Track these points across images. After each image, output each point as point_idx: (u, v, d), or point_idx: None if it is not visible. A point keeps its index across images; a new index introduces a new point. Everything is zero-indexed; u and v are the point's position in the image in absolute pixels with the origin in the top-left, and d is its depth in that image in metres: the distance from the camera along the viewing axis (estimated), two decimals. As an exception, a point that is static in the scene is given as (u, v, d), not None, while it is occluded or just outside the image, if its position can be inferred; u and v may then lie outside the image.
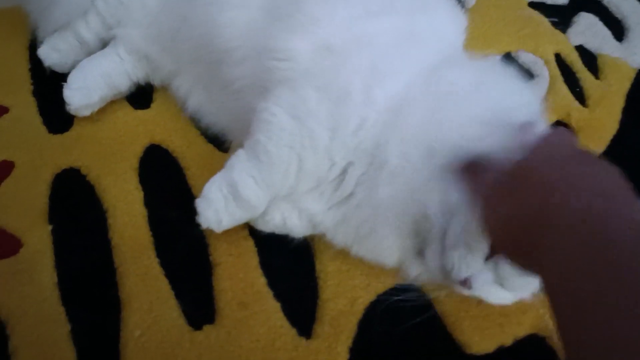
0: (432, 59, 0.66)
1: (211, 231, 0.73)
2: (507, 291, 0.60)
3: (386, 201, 0.62)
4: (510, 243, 0.44)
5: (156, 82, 0.88)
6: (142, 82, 0.87)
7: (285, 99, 0.65)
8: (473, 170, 0.55)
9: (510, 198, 0.44)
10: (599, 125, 0.88)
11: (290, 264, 0.71)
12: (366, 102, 0.62)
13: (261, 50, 0.70)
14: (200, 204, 0.68)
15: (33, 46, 0.91)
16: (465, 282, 0.59)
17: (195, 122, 0.84)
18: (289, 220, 0.70)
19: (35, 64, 0.90)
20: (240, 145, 0.77)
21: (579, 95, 0.92)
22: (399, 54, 0.66)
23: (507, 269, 0.57)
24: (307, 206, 0.69)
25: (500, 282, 0.59)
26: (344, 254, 0.72)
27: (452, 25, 0.73)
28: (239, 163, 0.67)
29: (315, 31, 0.67)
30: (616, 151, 0.86)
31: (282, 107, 0.64)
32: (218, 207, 0.67)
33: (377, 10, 0.68)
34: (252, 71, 0.71)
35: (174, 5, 0.80)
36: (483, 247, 0.57)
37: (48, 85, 0.85)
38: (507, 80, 0.67)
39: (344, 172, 0.65)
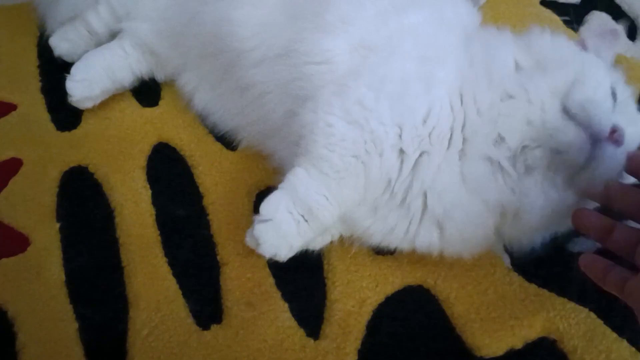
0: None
1: (219, 230, 0.73)
2: None
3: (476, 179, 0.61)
4: None
5: (160, 77, 0.87)
6: (145, 77, 0.87)
7: (337, 105, 0.61)
8: None
9: None
10: (612, 126, 0.86)
11: (297, 263, 0.70)
12: (428, 88, 0.61)
13: (286, 53, 0.68)
14: (263, 229, 0.60)
15: (41, 43, 0.90)
16: (614, 134, 0.56)
17: (202, 119, 0.83)
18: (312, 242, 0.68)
19: (44, 61, 0.90)
20: (254, 145, 0.79)
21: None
22: (442, 40, 0.65)
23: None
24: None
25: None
26: (352, 253, 0.71)
27: (470, 17, 0.72)
28: (301, 182, 0.62)
29: (349, 30, 0.65)
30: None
31: (336, 115, 0.61)
32: (288, 231, 0.61)
33: (403, 5, 0.68)
34: (275, 75, 0.69)
35: (183, 0, 0.79)
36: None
37: (56, 82, 0.85)
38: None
39: (416, 165, 0.61)
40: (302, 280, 0.70)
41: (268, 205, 0.61)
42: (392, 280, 0.69)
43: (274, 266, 0.70)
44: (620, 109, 0.60)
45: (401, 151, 0.61)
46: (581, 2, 1.05)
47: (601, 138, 0.56)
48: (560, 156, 0.58)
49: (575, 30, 0.99)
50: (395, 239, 0.66)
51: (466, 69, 0.63)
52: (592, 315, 0.67)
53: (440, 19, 0.68)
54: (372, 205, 0.64)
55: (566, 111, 0.58)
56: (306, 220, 0.61)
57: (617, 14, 1.04)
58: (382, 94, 0.61)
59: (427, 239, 0.64)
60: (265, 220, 0.60)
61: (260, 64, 0.71)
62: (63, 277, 0.69)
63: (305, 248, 0.68)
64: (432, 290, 0.69)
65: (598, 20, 1.02)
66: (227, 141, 0.81)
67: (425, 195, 0.62)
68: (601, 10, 1.03)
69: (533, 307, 0.67)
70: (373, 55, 0.64)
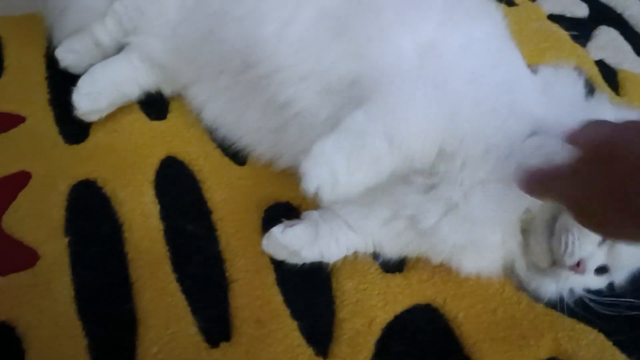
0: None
1: (227, 246, 0.73)
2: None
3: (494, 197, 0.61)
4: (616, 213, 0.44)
5: (167, 91, 0.87)
6: (152, 90, 0.87)
7: (407, 88, 0.61)
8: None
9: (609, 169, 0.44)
10: (620, 143, 0.87)
11: (306, 281, 0.71)
12: (510, 115, 0.62)
13: (345, 55, 0.67)
14: (309, 163, 0.57)
15: (50, 54, 0.90)
16: (579, 265, 0.60)
17: (211, 132, 0.83)
18: (327, 251, 0.70)
19: (53, 72, 0.90)
20: (271, 159, 0.79)
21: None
22: (505, 54, 0.70)
23: (621, 251, 0.60)
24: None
25: (611, 264, 0.62)
26: (361, 271, 0.71)
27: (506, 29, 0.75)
28: (357, 122, 0.59)
29: (414, 29, 0.66)
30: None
31: (410, 88, 0.61)
32: (336, 166, 0.56)
33: (463, 18, 0.69)
34: (322, 87, 0.68)
35: (197, 17, 0.78)
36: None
37: (65, 94, 0.84)
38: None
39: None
40: (311, 298, 0.70)
41: (318, 144, 0.57)
42: (401, 299, 0.69)
43: (283, 283, 0.70)
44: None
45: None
46: (589, 17, 1.05)
47: (565, 266, 0.61)
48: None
49: (583, 45, 1.00)
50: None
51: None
52: (601, 336, 0.67)
53: (495, 34, 0.71)
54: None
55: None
56: (359, 154, 0.57)
57: (625, 29, 1.04)
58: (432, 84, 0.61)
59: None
60: (313, 155, 0.57)
61: (305, 79, 0.69)
62: (72, 293, 0.68)
63: (320, 259, 0.70)
64: (441, 309, 0.69)
65: (606, 35, 1.02)
66: (235, 155, 0.81)
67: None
68: (609, 25, 1.04)
69: (542, 327, 0.68)
70: (440, 59, 0.64)
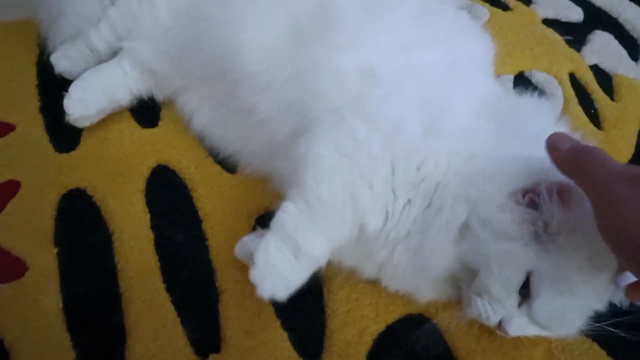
0: (476, 91, 0.66)
1: (218, 255, 0.72)
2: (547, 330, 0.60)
3: (434, 250, 0.60)
4: None
5: (159, 97, 0.87)
6: (144, 96, 0.86)
7: (330, 138, 0.61)
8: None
9: None
10: (614, 149, 0.86)
11: (297, 291, 0.70)
12: (428, 135, 0.60)
13: (293, 76, 0.68)
14: (258, 274, 0.59)
15: (41, 61, 0.90)
16: (499, 327, 0.59)
17: (201, 140, 0.83)
18: None
19: (43, 79, 0.89)
20: (254, 168, 0.78)
21: (594, 117, 0.91)
22: (448, 87, 0.64)
23: (541, 310, 0.57)
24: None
25: (536, 323, 0.58)
26: (352, 281, 0.70)
27: (485, 53, 0.73)
28: (289, 217, 0.61)
29: (360, 51, 0.65)
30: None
31: (327, 146, 0.60)
32: (282, 270, 0.60)
33: (420, 40, 0.67)
34: (281, 99, 0.69)
35: (186, 21, 0.79)
36: (511, 293, 0.57)
37: (55, 102, 0.84)
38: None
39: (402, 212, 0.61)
40: (302, 308, 0.69)
41: (259, 252, 0.59)
42: (392, 309, 0.69)
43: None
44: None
45: (393, 190, 0.60)
46: (584, 21, 1.05)
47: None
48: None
49: (578, 50, 0.99)
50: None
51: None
52: (595, 346, 0.66)
53: (451, 63, 0.67)
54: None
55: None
56: (297, 257, 0.60)
57: (620, 33, 1.03)
58: (376, 130, 0.60)
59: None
60: (259, 265, 0.59)
61: (266, 89, 0.70)
62: (60, 305, 0.68)
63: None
64: (433, 318, 0.69)
65: (601, 40, 1.01)
66: (226, 164, 0.80)
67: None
68: (604, 30, 1.03)
69: (534, 337, 0.66)
70: (376, 88, 0.63)
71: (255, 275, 0.59)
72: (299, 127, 0.67)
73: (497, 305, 0.58)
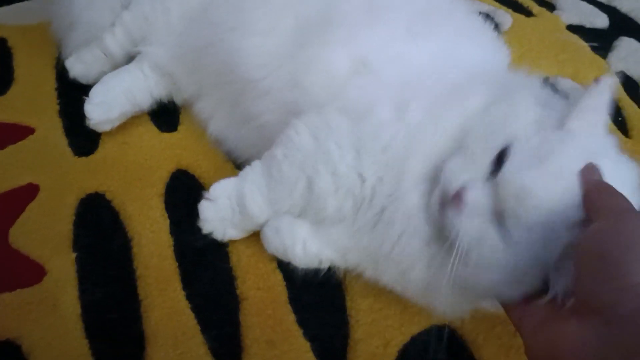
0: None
1: (238, 262, 0.71)
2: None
3: (414, 209, 0.58)
4: None
5: (179, 101, 0.87)
6: (164, 99, 0.86)
7: (311, 119, 0.64)
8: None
9: None
10: (643, 158, 0.84)
11: (320, 299, 0.69)
12: (397, 118, 0.59)
13: (291, 81, 0.68)
14: (206, 207, 0.69)
15: (60, 64, 0.89)
16: (457, 197, 0.50)
17: (219, 146, 0.82)
18: (291, 250, 0.67)
19: (62, 83, 0.89)
20: None
21: (621, 125, 0.89)
22: (433, 74, 0.62)
23: (511, 175, 0.48)
24: (336, 236, 0.66)
25: (499, 214, 0.49)
26: (376, 290, 0.69)
27: (495, 55, 0.70)
28: (252, 175, 0.68)
29: (354, 44, 0.65)
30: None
31: (307, 125, 0.64)
32: (225, 216, 0.68)
33: (419, 32, 0.66)
34: (278, 104, 0.70)
35: (198, 27, 0.79)
36: (487, 152, 0.51)
37: (74, 105, 0.84)
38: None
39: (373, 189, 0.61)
40: (325, 318, 0.67)
41: (217, 187, 0.69)
42: (417, 320, 0.67)
43: (296, 302, 0.68)
44: None
45: (360, 174, 0.60)
46: (609, 27, 1.03)
47: (447, 200, 0.52)
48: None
49: (604, 57, 0.97)
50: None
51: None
52: None
53: (448, 55, 0.65)
54: (352, 227, 0.63)
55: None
56: (240, 213, 0.67)
57: (647, 40, 1.01)
58: (346, 117, 0.61)
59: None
60: (210, 200, 0.68)
61: (267, 95, 0.70)
62: (79, 311, 0.66)
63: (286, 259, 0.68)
64: (459, 330, 0.67)
65: (628, 46, 0.99)
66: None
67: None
68: (630, 36, 1.01)
69: None
70: (364, 77, 0.63)
71: (202, 206, 0.69)
72: None
73: (466, 167, 0.52)
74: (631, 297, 0.37)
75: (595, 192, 0.46)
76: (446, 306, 0.60)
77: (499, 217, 0.49)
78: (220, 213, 0.68)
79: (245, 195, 0.67)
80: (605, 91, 0.54)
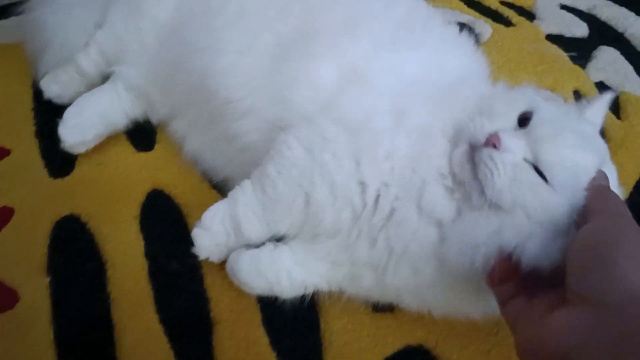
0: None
1: (212, 284, 0.71)
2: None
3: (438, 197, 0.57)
4: None
5: (154, 120, 0.86)
6: (140, 119, 0.86)
7: (303, 132, 0.63)
8: None
9: None
10: (621, 170, 0.82)
11: (293, 321, 0.68)
12: (396, 124, 0.59)
13: (274, 98, 0.67)
14: (200, 235, 0.67)
15: (37, 85, 0.89)
16: (491, 140, 0.51)
17: (195, 166, 0.81)
18: (277, 286, 0.66)
19: (39, 103, 0.89)
20: None
21: (601, 134, 0.88)
22: (425, 81, 0.63)
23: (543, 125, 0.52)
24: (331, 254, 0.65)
25: (535, 142, 0.52)
26: (350, 311, 0.69)
27: (476, 66, 0.70)
28: (243, 196, 0.66)
29: (340, 55, 0.65)
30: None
31: (298, 139, 0.62)
32: (220, 241, 0.67)
33: (405, 43, 0.67)
34: (261, 122, 0.69)
35: (170, 47, 0.78)
36: (513, 112, 0.55)
37: (51, 126, 0.83)
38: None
39: (377, 197, 0.60)
40: (298, 340, 0.67)
41: (208, 214, 0.67)
42: (391, 341, 0.67)
43: (269, 324, 0.68)
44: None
45: (361, 182, 0.59)
46: (589, 36, 1.03)
47: (478, 146, 0.53)
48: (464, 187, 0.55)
49: (583, 67, 0.97)
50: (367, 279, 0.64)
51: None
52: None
53: (436, 66, 0.66)
54: (347, 240, 0.62)
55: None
56: (235, 235, 0.66)
57: (626, 49, 1.01)
58: (343, 128, 0.60)
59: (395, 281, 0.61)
60: (203, 228, 0.66)
61: (248, 115, 0.70)
62: (52, 336, 0.66)
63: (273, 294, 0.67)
64: (433, 350, 0.67)
65: (607, 56, 0.99)
66: (222, 188, 0.79)
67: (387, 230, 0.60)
68: (610, 45, 1.01)
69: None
70: (355, 85, 0.63)
71: (196, 234, 0.67)
72: None
73: (492, 121, 0.54)
74: (619, 287, 0.40)
75: (597, 194, 0.50)
76: (446, 306, 0.62)
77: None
78: (215, 239, 0.67)
79: (239, 218, 0.65)
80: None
